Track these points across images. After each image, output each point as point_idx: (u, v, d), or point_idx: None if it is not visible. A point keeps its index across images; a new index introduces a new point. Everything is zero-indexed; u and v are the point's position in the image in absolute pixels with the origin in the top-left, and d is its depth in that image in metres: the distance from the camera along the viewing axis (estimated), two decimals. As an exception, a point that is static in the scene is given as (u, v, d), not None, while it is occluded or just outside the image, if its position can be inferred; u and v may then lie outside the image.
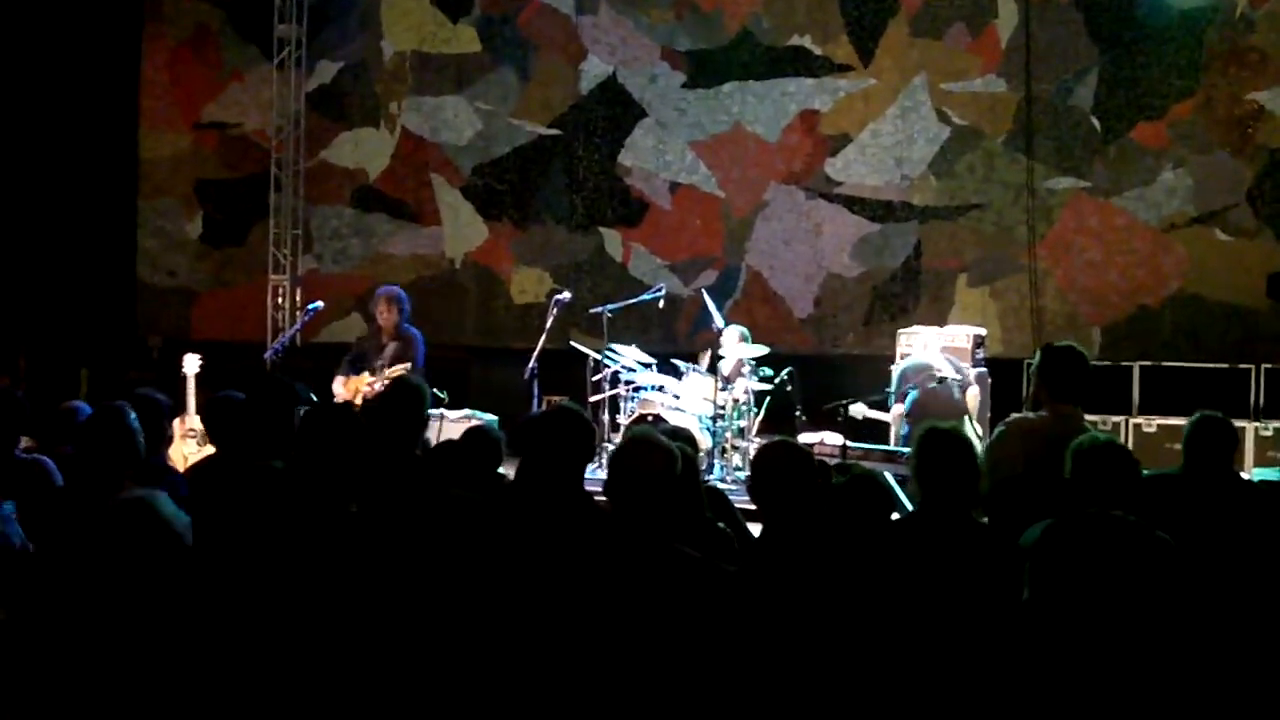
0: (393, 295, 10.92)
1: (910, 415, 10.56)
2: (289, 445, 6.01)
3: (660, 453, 4.19)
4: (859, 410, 10.91)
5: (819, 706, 4.12)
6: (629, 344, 12.10)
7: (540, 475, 4.76)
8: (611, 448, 11.44)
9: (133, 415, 5.32)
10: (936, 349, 11.10)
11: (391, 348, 10.79)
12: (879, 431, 10.97)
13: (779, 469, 4.52)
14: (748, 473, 11.00)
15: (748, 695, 4.08)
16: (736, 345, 11.71)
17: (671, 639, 3.95)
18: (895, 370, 11.05)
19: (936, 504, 4.96)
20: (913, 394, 10.66)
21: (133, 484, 5.24)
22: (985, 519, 5.04)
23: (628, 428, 11.12)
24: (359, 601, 4.54)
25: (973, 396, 10.78)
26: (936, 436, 5.09)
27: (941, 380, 10.63)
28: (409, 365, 10.64)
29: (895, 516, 5.65)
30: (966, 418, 10.54)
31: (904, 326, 12.47)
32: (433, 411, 10.39)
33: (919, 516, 5.10)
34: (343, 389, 10.71)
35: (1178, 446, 11.20)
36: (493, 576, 4.38)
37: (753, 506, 4.96)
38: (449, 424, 10.35)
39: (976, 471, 5.06)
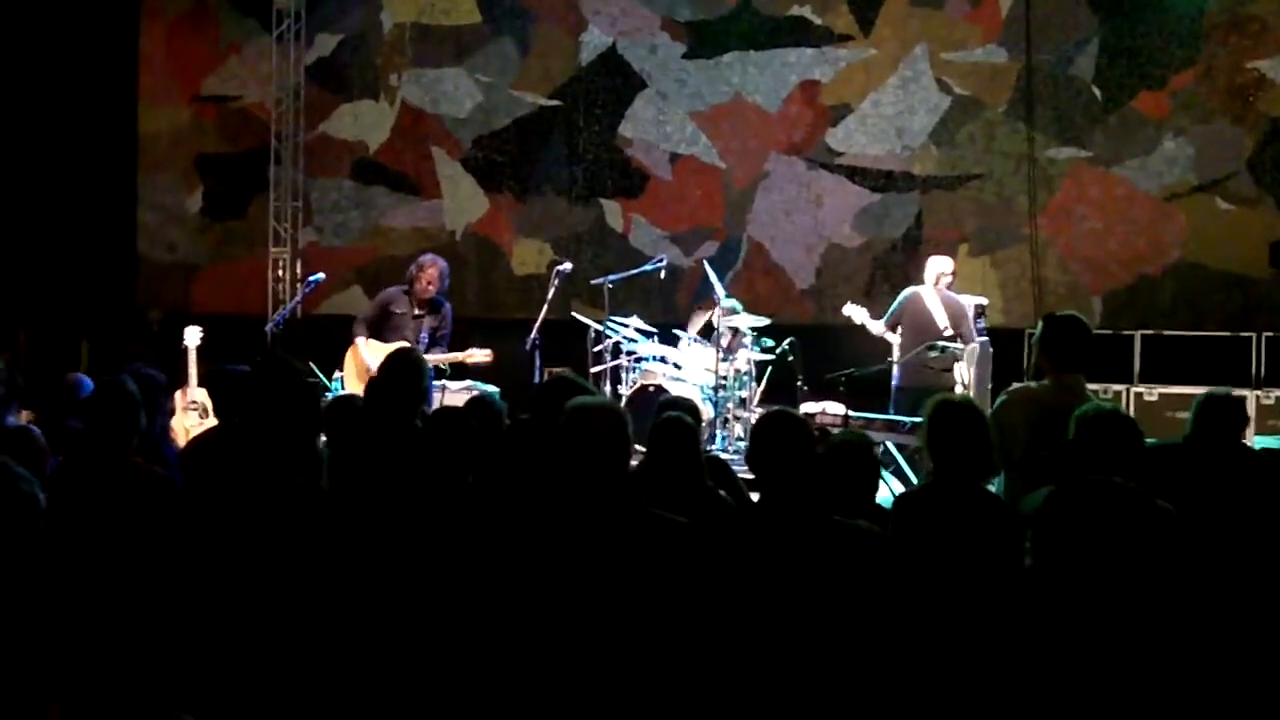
0: (445, 270, 10.78)
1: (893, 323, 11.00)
2: (289, 419, 6.03)
3: (606, 416, 4.20)
4: (859, 314, 11.09)
5: (815, 673, 4.13)
6: (630, 315, 12.10)
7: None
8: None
9: (133, 386, 5.34)
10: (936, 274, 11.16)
11: (429, 320, 10.70)
12: (880, 399, 11.00)
13: (776, 438, 4.52)
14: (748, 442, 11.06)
15: (736, 659, 4.10)
16: (726, 316, 11.69)
17: (646, 601, 3.97)
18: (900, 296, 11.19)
19: (949, 475, 4.97)
20: (897, 303, 10.93)
21: (135, 455, 5.28)
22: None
23: (629, 399, 11.13)
24: (345, 569, 4.56)
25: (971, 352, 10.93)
26: (948, 408, 5.10)
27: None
28: (489, 353, 10.61)
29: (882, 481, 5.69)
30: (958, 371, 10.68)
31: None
32: (434, 383, 10.42)
33: (932, 487, 5.11)
34: (370, 353, 10.52)
35: (1179, 415, 11.29)
36: (482, 549, 4.40)
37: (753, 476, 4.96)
38: (450, 395, 10.33)
39: (989, 443, 5.07)
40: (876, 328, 11.08)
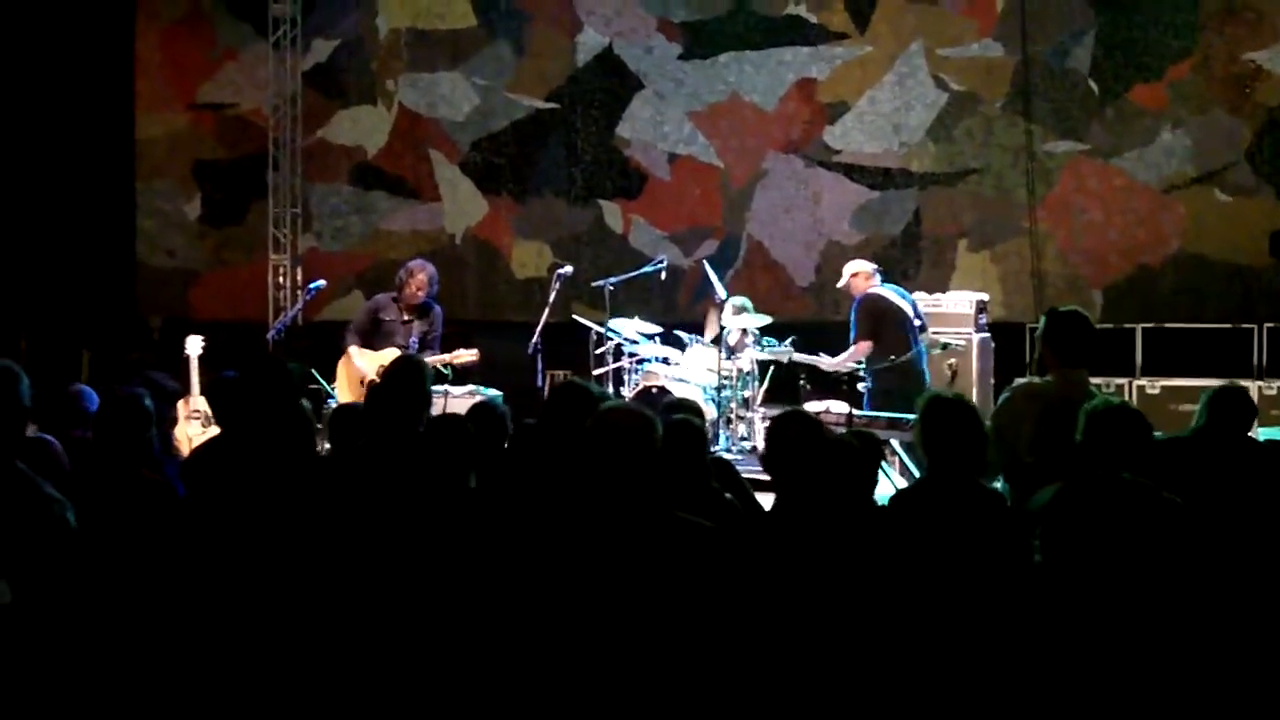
0: (434, 275, 10.83)
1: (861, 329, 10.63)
2: (289, 424, 6.02)
3: (636, 419, 4.20)
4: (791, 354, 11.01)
5: (829, 674, 4.13)
6: (631, 316, 12.07)
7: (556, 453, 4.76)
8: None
9: (149, 401, 5.34)
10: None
11: (418, 324, 10.75)
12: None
13: (794, 439, 4.52)
14: (755, 443, 11.05)
15: (755, 663, 4.10)
16: (735, 316, 11.66)
17: (666, 606, 3.96)
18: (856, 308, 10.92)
19: (943, 471, 4.99)
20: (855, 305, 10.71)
21: (145, 468, 5.28)
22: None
23: (631, 400, 11.12)
24: (357, 575, 4.55)
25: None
26: (941, 404, 5.12)
27: (945, 346, 10.63)
28: (475, 353, 10.62)
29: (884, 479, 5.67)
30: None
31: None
32: (437, 388, 10.42)
33: (926, 484, 5.13)
34: (363, 361, 10.58)
35: (1182, 408, 11.29)
36: (505, 557, 4.39)
37: (758, 476, 4.96)
38: (454, 400, 10.32)
39: (983, 438, 5.09)
40: (829, 362, 10.92)
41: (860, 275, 10.95)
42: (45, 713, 3.78)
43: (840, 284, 11.18)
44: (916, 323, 10.67)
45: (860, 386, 10.70)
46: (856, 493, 4.90)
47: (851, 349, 10.73)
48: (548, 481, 4.77)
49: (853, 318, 10.78)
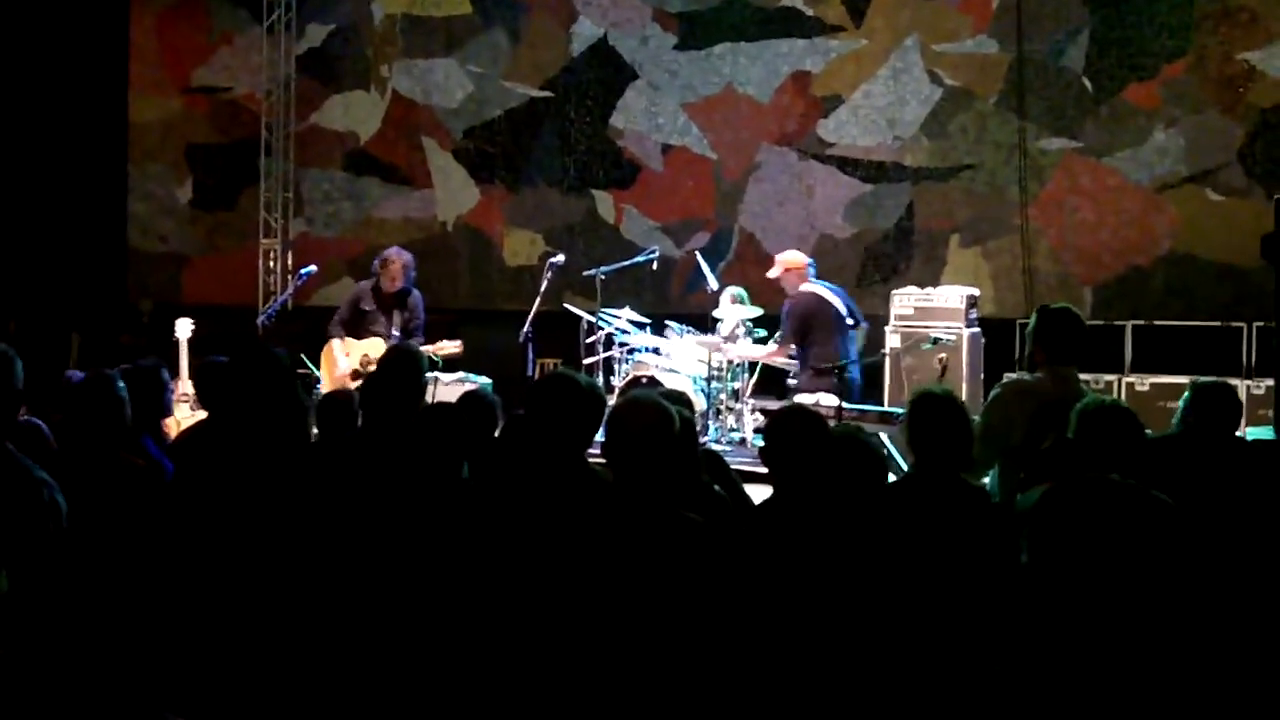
0: (410, 262, 10.85)
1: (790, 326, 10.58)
2: (276, 410, 6.01)
3: (656, 413, 4.21)
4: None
5: (820, 672, 4.14)
6: (622, 306, 12.09)
7: (542, 444, 4.76)
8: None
9: (121, 384, 5.34)
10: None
11: (398, 313, 10.76)
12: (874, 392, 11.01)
13: (795, 435, 4.53)
14: (745, 434, 11.06)
15: (751, 659, 4.10)
16: (731, 306, 11.65)
17: (672, 602, 3.97)
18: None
19: (929, 467, 5.00)
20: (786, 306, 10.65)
21: (121, 451, 5.28)
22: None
23: (622, 390, 11.12)
24: (356, 570, 4.55)
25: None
26: (928, 400, 5.13)
27: (935, 341, 10.63)
28: (459, 344, 10.62)
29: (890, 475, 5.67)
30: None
31: (896, 287, 12.53)
32: (427, 375, 10.41)
33: (912, 479, 5.14)
34: (344, 353, 10.62)
35: (1170, 405, 11.27)
36: (497, 550, 4.39)
37: (747, 468, 4.96)
38: (443, 388, 10.34)
39: (969, 434, 5.11)
40: (760, 351, 10.85)
41: (795, 270, 10.81)
42: (36, 699, 3.78)
43: (772, 274, 11.10)
44: (849, 321, 10.57)
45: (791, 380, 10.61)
46: (855, 488, 4.91)
47: (774, 348, 10.69)
48: (538, 473, 4.76)
49: (783, 316, 10.72)
